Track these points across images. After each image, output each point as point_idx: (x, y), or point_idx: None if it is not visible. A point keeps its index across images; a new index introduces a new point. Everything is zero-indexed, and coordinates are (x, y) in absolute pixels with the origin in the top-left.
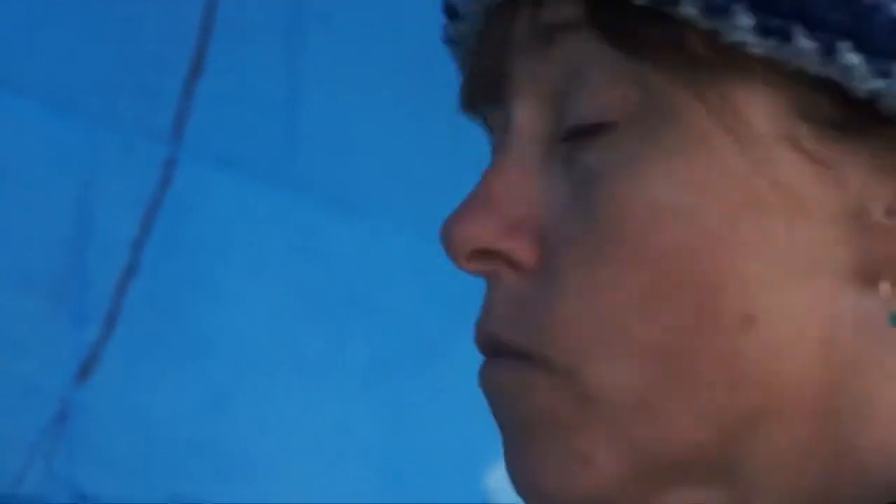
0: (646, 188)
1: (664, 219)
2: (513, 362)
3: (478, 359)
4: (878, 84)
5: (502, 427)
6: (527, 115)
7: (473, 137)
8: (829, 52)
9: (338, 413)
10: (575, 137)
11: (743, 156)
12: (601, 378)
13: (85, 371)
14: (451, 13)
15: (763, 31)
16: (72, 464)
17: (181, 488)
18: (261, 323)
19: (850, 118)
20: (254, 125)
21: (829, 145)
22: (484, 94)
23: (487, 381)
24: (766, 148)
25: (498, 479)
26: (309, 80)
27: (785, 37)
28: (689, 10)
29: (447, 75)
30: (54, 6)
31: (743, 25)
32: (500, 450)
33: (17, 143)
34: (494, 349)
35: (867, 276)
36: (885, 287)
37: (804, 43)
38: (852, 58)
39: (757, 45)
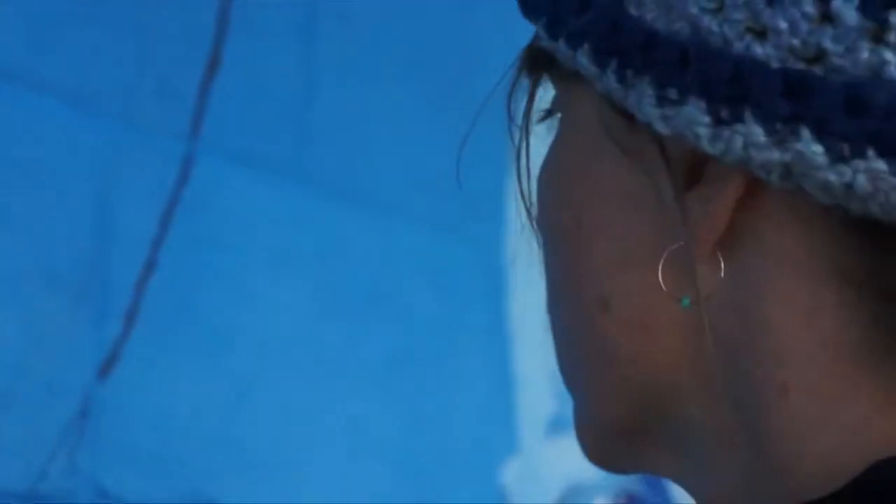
0: (540, 177)
1: (547, 210)
2: None
3: (492, 355)
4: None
5: None
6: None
7: (489, 133)
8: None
9: (355, 409)
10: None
11: (583, 151)
12: (557, 357)
13: (106, 368)
14: None
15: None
16: (94, 460)
17: (202, 484)
18: (279, 319)
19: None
20: (270, 122)
21: (632, 135)
22: None
23: None
24: (597, 140)
25: (513, 475)
26: (324, 77)
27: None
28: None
29: (462, 71)
30: (74, 6)
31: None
32: (515, 446)
33: (39, 141)
34: None
35: (685, 264)
36: (697, 269)
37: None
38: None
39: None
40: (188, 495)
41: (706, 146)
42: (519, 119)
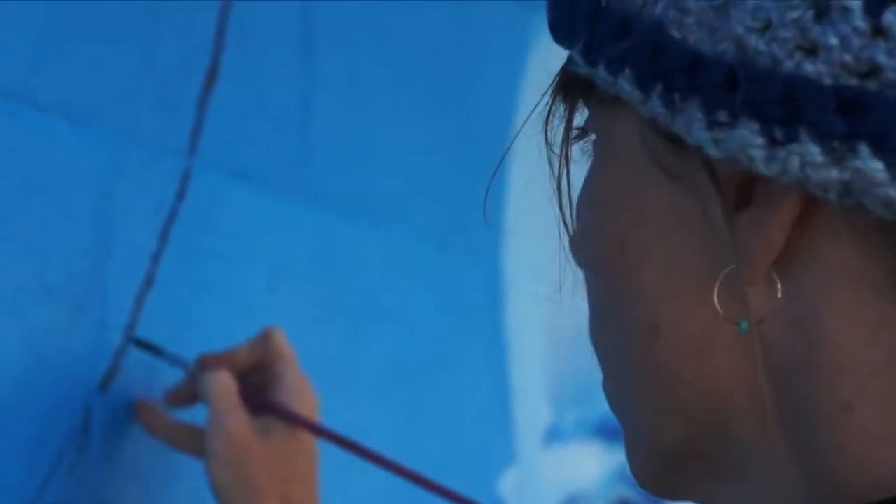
0: (580, 204)
1: (589, 236)
2: None
3: (491, 366)
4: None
5: None
6: None
7: (487, 145)
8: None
9: (354, 419)
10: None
11: (625, 175)
12: (605, 385)
13: (106, 381)
14: None
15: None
16: (95, 473)
17: (202, 498)
18: None
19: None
20: (268, 135)
21: (677, 156)
22: None
23: None
24: (639, 163)
25: (511, 484)
26: (322, 90)
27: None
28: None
29: (460, 82)
30: (72, 22)
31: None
32: (513, 455)
33: (37, 156)
34: None
35: (739, 288)
36: (751, 291)
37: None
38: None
39: (612, 87)
40: None
41: (761, 168)
42: (556, 146)
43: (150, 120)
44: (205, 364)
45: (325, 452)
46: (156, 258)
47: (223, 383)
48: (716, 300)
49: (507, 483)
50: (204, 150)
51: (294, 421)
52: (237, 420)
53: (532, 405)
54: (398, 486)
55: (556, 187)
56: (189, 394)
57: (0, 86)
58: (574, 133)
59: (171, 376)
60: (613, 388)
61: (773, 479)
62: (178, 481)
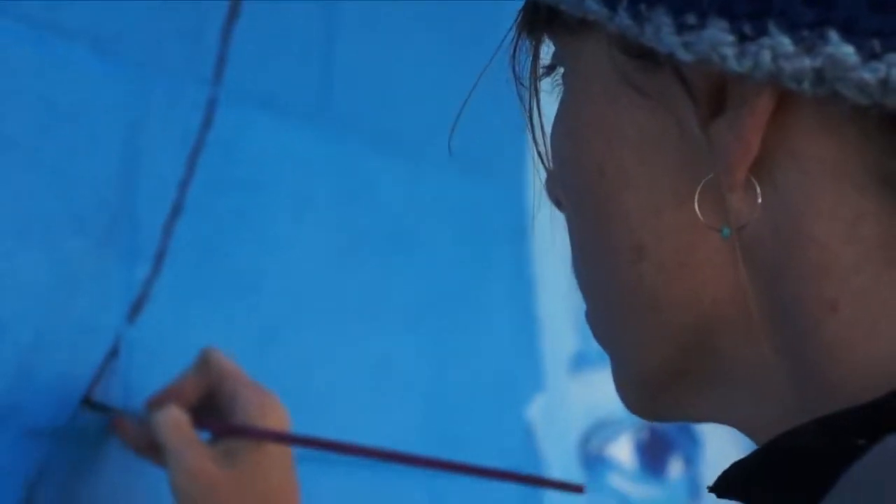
0: (554, 135)
1: (566, 166)
2: None
3: (516, 295)
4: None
5: None
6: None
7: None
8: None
9: (381, 349)
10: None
11: (597, 100)
12: (590, 317)
13: (136, 309)
14: None
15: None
16: (126, 399)
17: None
18: (305, 261)
19: (646, 48)
20: (293, 65)
21: (647, 73)
22: None
23: None
24: (610, 87)
25: (539, 411)
26: (347, 19)
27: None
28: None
29: (483, 11)
30: None
31: (589, 5)
32: (540, 383)
33: (65, 87)
34: None
35: (719, 195)
36: (731, 197)
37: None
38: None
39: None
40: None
41: (733, 65)
42: (525, 80)
43: (175, 50)
44: (152, 404)
45: (353, 384)
46: (183, 187)
47: (173, 419)
48: (696, 208)
49: (535, 410)
50: (229, 80)
51: (259, 436)
52: (195, 454)
53: (558, 332)
54: (427, 419)
55: (528, 121)
56: (147, 441)
57: (26, 14)
58: (542, 70)
59: (200, 307)
60: (598, 318)
61: (762, 390)
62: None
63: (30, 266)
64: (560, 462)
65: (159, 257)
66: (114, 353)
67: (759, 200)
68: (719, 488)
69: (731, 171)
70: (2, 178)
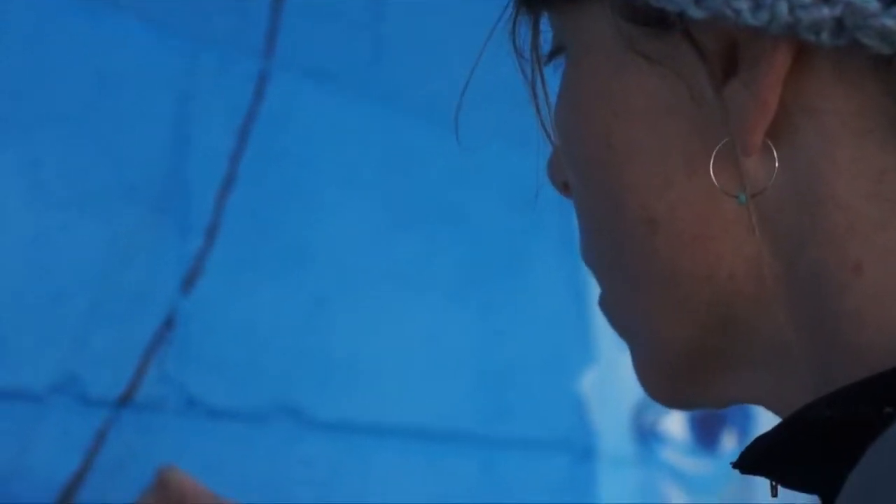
0: (559, 112)
1: (572, 141)
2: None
3: (565, 266)
4: None
5: None
6: None
7: None
8: None
9: (431, 320)
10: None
11: (602, 71)
12: (603, 295)
13: (189, 280)
14: None
15: None
16: (181, 369)
17: (284, 392)
18: (355, 232)
19: (654, 13)
20: (342, 37)
21: (656, 38)
22: None
23: None
24: (615, 57)
25: (590, 384)
26: None
27: None
28: None
29: None
30: None
31: None
32: (592, 355)
33: (118, 60)
34: None
35: (735, 160)
36: (748, 162)
37: None
38: None
39: None
40: (271, 403)
41: (748, 19)
42: (527, 54)
43: (226, 21)
44: None
45: (404, 354)
46: (235, 158)
47: None
48: (711, 173)
49: (587, 383)
50: (280, 52)
51: None
52: None
53: None
54: (478, 389)
55: (532, 94)
56: None
57: None
58: (545, 57)
59: (253, 278)
60: (614, 302)
61: (784, 366)
62: (262, 372)
63: (85, 237)
64: (613, 435)
65: (212, 230)
66: (168, 325)
67: (777, 164)
68: (744, 464)
69: (747, 133)
70: (56, 151)
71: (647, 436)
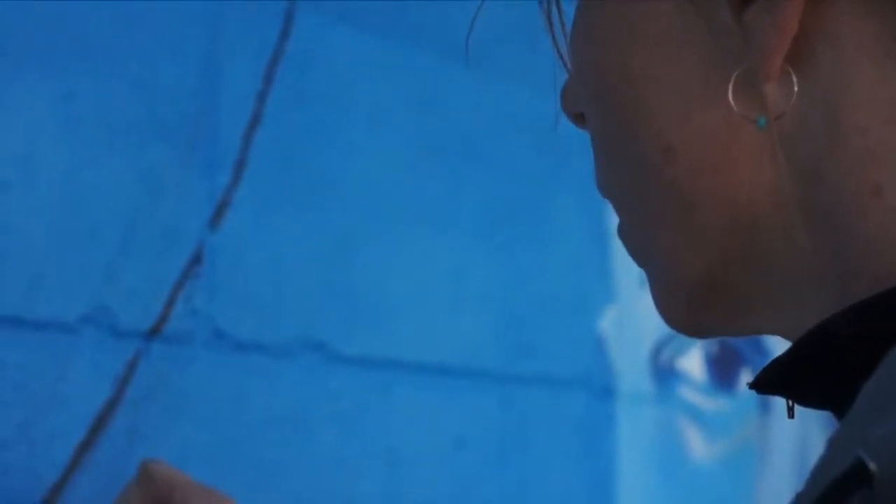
0: (574, 40)
1: (587, 71)
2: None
3: (587, 208)
4: None
5: None
6: None
7: None
8: None
9: (454, 258)
10: None
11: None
12: (623, 230)
13: (217, 216)
14: None
15: None
16: (210, 304)
17: (310, 328)
18: (380, 170)
19: None
20: None
21: None
22: None
23: None
24: None
25: (610, 324)
26: None
27: None
28: None
29: None
30: None
31: None
32: (612, 295)
33: None
34: None
35: (754, 86)
36: (767, 87)
37: None
38: None
39: None
40: (298, 337)
41: None
42: None
43: None
44: None
45: (428, 292)
46: (262, 97)
47: None
48: (730, 98)
49: (606, 322)
50: None
51: None
52: None
53: None
54: (501, 327)
55: (547, 23)
56: None
57: None
58: None
59: (280, 216)
60: (631, 230)
61: (803, 294)
62: (288, 307)
63: (116, 172)
64: (631, 374)
65: (239, 166)
66: (197, 259)
67: (796, 89)
68: (759, 384)
69: (767, 59)
70: (89, 88)
71: (664, 374)
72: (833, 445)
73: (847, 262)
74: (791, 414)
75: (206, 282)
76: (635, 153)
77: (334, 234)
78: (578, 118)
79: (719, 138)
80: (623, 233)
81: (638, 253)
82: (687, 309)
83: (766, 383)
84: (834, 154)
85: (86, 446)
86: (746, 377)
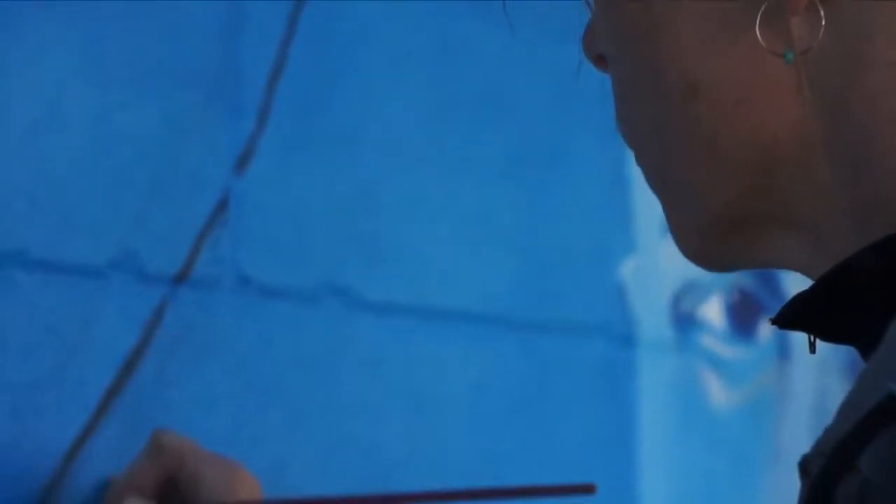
0: None
1: (613, 7)
2: None
3: (608, 156)
4: None
5: None
6: None
7: None
8: None
9: (478, 203)
10: None
11: None
12: (643, 165)
13: (242, 162)
14: None
15: None
16: (235, 249)
17: (335, 272)
18: (404, 116)
19: None
20: None
21: None
22: None
23: None
24: None
25: (630, 272)
26: None
27: None
28: None
29: None
30: None
31: None
32: (632, 244)
33: None
34: None
35: (781, 20)
36: (794, 22)
37: None
38: None
39: None
40: (323, 283)
41: None
42: None
43: None
44: (111, 501)
45: (450, 238)
46: (285, 43)
47: None
48: (758, 32)
49: (627, 270)
50: None
51: None
52: None
53: (650, 194)
54: (522, 276)
55: None
56: None
57: None
58: None
59: (304, 161)
60: (652, 164)
61: (824, 229)
62: (313, 252)
63: (143, 116)
64: (651, 321)
65: (263, 113)
66: (223, 205)
67: (823, 23)
68: (782, 320)
69: None
70: (115, 32)
71: (684, 322)
72: (862, 380)
73: (869, 196)
74: (813, 349)
75: (231, 228)
76: (660, 90)
77: (358, 180)
78: (600, 60)
79: (744, 74)
80: (642, 163)
81: (657, 184)
82: (704, 241)
83: (789, 319)
84: (859, 88)
85: (114, 390)
86: (766, 325)
